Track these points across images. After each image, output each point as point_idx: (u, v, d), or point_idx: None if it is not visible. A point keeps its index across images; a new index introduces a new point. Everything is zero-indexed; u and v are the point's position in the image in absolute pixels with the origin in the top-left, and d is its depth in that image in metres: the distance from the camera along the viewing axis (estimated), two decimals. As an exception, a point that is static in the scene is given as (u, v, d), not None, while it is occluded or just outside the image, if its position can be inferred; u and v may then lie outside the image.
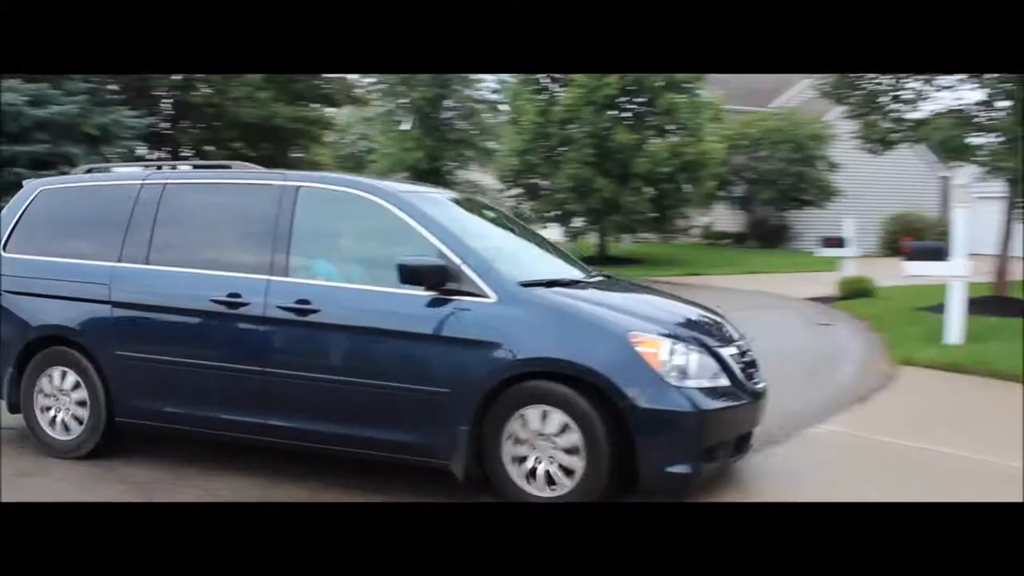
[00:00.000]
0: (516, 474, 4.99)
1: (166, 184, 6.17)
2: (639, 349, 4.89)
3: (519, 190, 23.93)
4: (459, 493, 5.10)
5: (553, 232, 22.05)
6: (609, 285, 6.04)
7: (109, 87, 19.71)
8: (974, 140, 12.17)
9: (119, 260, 6.00)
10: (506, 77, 25.54)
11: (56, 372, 6.09)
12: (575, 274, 5.93)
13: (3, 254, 6.37)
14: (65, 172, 10.08)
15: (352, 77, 26.41)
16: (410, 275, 5.11)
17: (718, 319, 5.70)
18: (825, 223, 25.70)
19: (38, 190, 6.55)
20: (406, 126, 27.09)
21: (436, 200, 6.04)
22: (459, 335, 5.08)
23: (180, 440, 6.02)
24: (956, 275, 9.72)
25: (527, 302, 5.14)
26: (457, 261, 5.15)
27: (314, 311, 5.36)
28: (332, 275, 5.59)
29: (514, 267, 5.43)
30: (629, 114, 21.61)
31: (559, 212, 22.83)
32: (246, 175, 6.17)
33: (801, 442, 6.32)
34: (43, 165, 14.52)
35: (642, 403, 4.77)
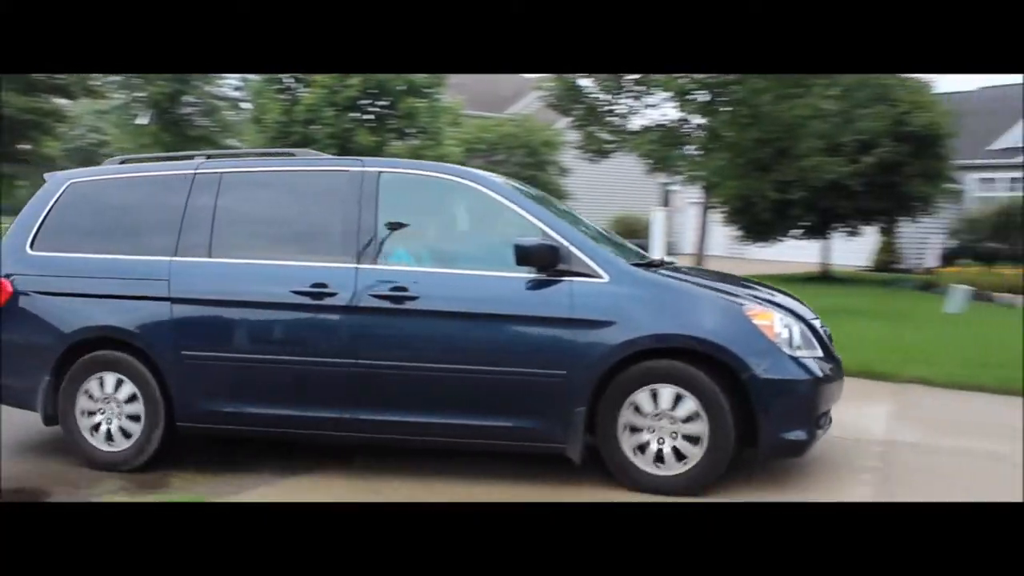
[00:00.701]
0: (634, 454, 5.01)
1: (223, 174, 5.79)
2: (756, 322, 5.01)
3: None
4: (570, 479, 5.15)
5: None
6: (681, 267, 6.06)
7: None
8: (674, 152, 13.79)
9: (175, 254, 5.59)
10: (248, 75, 25.44)
11: (103, 378, 5.61)
12: (646, 257, 5.88)
13: (30, 252, 5.86)
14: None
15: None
16: (525, 256, 5.03)
17: (793, 297, 5.81)
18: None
19: (67, 183, 6.04)
20: (143, 120, 26.31)
21: (516, 185, 5.89)
22: (575, 316, 5.00)
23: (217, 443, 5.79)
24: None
25: (640, 281, 5.15)
26: (565, 242, 5.12)
27: (412, 298, 5.20)
28: (411, 262, 5.41)
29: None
30: (371, 116, 22.22)
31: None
32: (316, 163, 6.00)
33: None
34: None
35: (763, 373, 4.87)
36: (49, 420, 5.69)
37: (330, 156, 6.41)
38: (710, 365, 4.89)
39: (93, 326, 5.58)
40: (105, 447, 5.55)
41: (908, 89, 19.78)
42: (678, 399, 4.90)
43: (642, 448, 4.97)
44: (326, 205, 5.57)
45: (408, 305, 5.16)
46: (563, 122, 23.61)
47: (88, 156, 32.02)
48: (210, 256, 5.52)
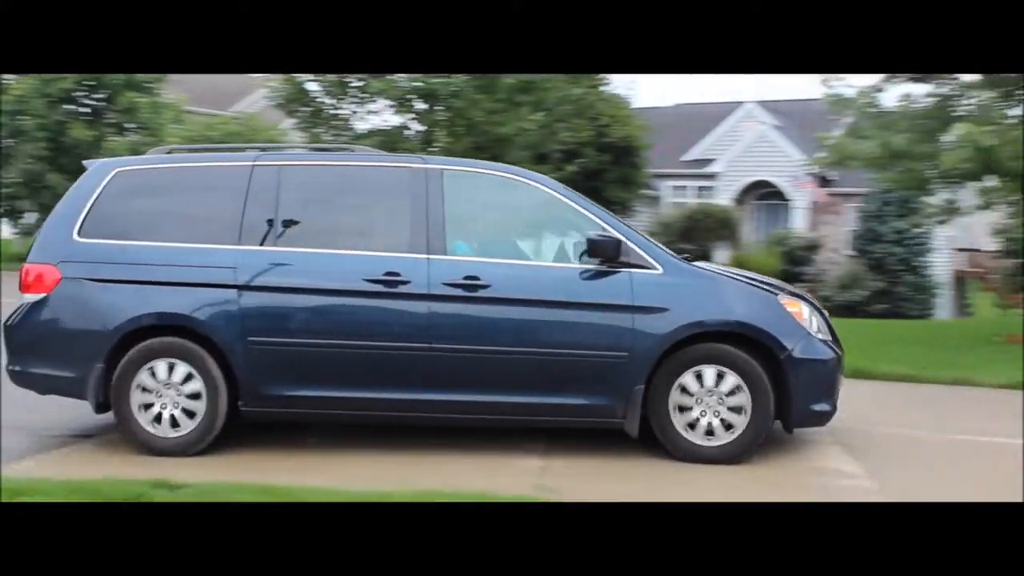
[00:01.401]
0: (683, 427, 5.46)
1: (283, 166, 5.87)
2: (789, 309, 5.62)
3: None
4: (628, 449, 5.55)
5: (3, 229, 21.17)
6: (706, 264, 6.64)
7: None
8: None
9: (239, 243, 5.59)
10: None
11: (161, 364, 5.52)
12: (681, 253, 6.30)
13: (78, 239, 5.66)
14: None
15: None
16: (595, 248, 5.42)
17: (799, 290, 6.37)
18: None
19: (113, 171, 5.85)
20: None
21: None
22: (636, 303, 5.43)
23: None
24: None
25: (688, 273, 5.68)
26: (623, 238, 5.53)
27: (485, 286, 5.45)
28: (470, 253, 5.68)
29: None
30: (87, 110, 21.49)
31: (8, 207, 21.91)
32: (377, 158, 6.23)
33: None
34: None
35: (797, 353, 5.46)
36: (100, 408, 5.60)
37: (386, 153, 6.75)
38: (751, 347, 5.49)
39: (153, 313, 5.54)
40: (164, 433, 5.52)
41: (609, 104, 21.83)
42: (720, 377, 5.44)
43: (692, 424, 5.47)
44: (390, 199, 5.79)
45: (481, 293, 5.46)
46: (288, 122, 23.88)
47: None
48: (275, 245, 5.62)
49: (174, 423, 5.49)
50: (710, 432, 5.45)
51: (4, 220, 22.23)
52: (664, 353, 5.42)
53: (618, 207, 22.81)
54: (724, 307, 5.58)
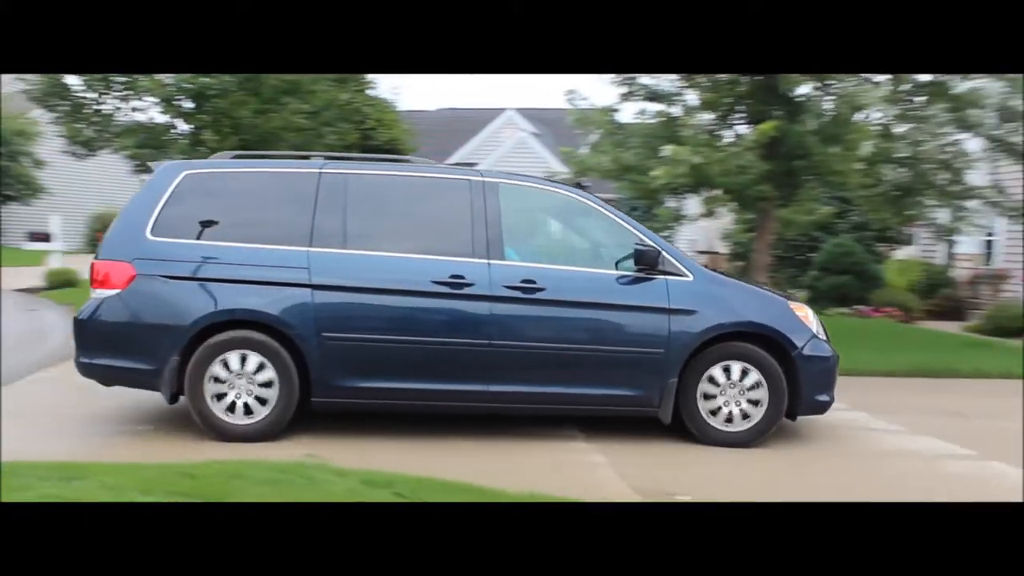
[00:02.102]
0: (708, 415, 6.32)
1: (349, 174, 6.32)
2: (797, 313, 6.53)
3: None
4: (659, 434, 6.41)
5: None
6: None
7: None
8: (159, 153, 14.55)
9: (311, 245, 6.03)
10: None
11: (234, 356, 5.91)
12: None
13: (151, 238, 5.97)
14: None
15: None
16: (640, 257, 6.18)
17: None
18: (33, 219, 26.39)
19: (183, 173, 6.20)
20: None
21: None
22: (672, 306, 6.20)
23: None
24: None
25: (714, 280, 6.56)
26: (660, 248, 6.29)
27: (540, 289, 6.12)
28: (519, 260, 6.25)
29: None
30: None
31: None
32: (438, 169, 6.81)
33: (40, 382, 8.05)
34: None
35: (806, 351, 6.37)
36: (174, 398, 6.00)
37: (441, 164, 7.28)
38: (768, 345, 6.33)
39: (231, 309, 5.93)
40: (237, 420, 5.93)
41: (375, 108, 22.42)
42: (744, 372, 6.30)
43: (714, 412, 6.32)
44: (451, 208, 6.30)
45: (537, 295, 6.12)
46: (41, 112, 22.84)
47: None
48: (345, 248, 6.07)
49: (247, 411, 5.95)
50: (729, 419, 6.34)
51: None
52: (695, 350, 6.24)
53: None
54: (746, 310, 6.43)
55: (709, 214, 13.32)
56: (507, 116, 32.15)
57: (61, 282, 16.73)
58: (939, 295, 18.53)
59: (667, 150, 9.57)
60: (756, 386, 6.30)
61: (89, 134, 15.00)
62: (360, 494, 4.33)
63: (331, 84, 15.28)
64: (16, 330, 11.26)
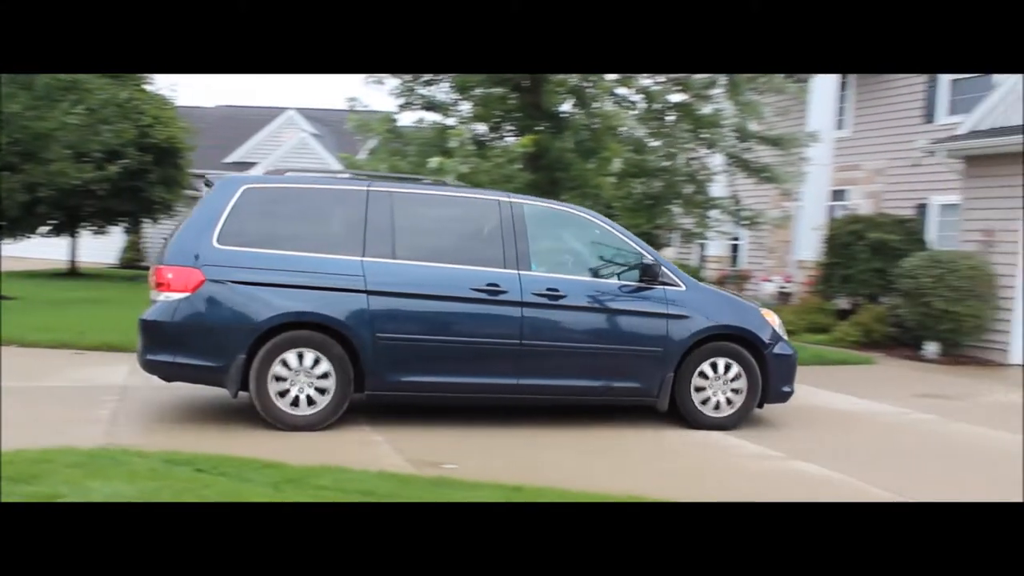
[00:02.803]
0: (699, 404, 7.44)
1: (393, 192, 7.09)
2: (767, 317, 7.76)
3: None
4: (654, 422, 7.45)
5: None
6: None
7: None
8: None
9: (363, 255, 6.73)
10: None
11: (294, 354, 6.54)
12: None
13: (217, 246, 6.50)
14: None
15: None
16: (646, 270, 7.30)
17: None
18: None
19: (242, 187, 6.76)
20: None
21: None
22: (669, 311, 7.30)
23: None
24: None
25: (702, 290, 7.74)
26: (658, 262, 7.39)
27: (562, 296, 7.11)
28: (540, 271, 7.18)
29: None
30: None
31: None
32: (468, 190, 7.88)
33: None
34: None
35: (774, 350, 7.61)
36: (236, 393, 6.58)
37: (469, 187, 8.45)
38: (745, 344, 7.49)
39: (295, 311, 6.56)
40: (296, 411, 6.56)
41: (153, 104, 21.98)
42: (728, 367, 7.45)
43: (704, 401, 7.44)
44: (484, 225, 7.20)
45: (560, 301, 7.08)
46: None
47: None
48: (394, 258, 6.81)
49: (309, 402, 6.59)
50: (716, 407, 7.47)
51: None
52: (688, 348, 7.32)
53: (161, 208, 23.01)
54: (728, 315, 7.60)
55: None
56: (288, 116, 32.08)
57: None
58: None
59: (434, 162, 10.29)
60: (737, 378, 7.50)
61: None
62: (162, 472, 4.81)
63: (109, 81, 15.05)
64: None
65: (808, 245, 17.14)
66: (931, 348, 13.77)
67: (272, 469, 5.16)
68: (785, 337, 7.88)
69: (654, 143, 12.93)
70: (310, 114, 32.60)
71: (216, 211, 6.67)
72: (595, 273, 7.49)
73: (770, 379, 7.59)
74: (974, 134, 14.04)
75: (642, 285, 7.34)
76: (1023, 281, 13.40)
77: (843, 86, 18.37)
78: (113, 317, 12.36)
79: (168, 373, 6.80)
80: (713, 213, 13.97)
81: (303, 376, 6.58)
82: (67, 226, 23.04)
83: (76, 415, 6.87)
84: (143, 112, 20.98)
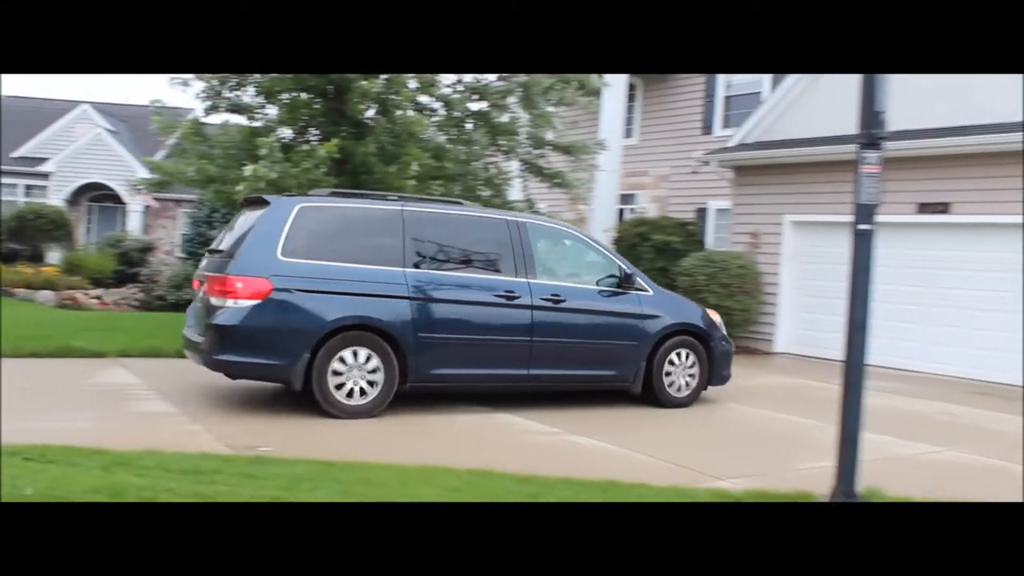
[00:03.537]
0: (667, 387, 9.03)
1: (422, 212, 8.28)
2: (713, 317, 9.57)
3: None
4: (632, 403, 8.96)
5: None
6: None
7: None
8: None
9: (404, 266, 7.83)
10: None
11: (350, 352, 7.53)
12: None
13: (281, 259, 7.38)
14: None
15: None
16: (625, 279, 8.94)
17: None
18: None
19: (297, 206, 7.69)
20: None
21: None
22: (642, 312, 8.93)
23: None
24: None
25: (665, 294, 9.50)
26: (631, 271, 9.06)
27: (563, 300, 8.52)
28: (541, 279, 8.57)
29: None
30: None
31: None
32: (483, 211, 9.36)
33: None
34: None
35: (717, 343, 9.39)
36: (302, 387, 7.44)
37: (480, 207, 9.98)
38: (697, 337, 9.19)
39: (353, 315, 7.57)
40: (351, 401, 7.59)
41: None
42: (687, 356, 9.12)
43: (670, 383, 9.03)
44: (497, 239, 8.48)
45: (560, 305, 8.46)
46: None
47: None
48: (430, 269, 8.02)
49: (361, 392, 7.59)
50: (679, 389, 9.10)
51: None
52: (657, 342, 8.90)
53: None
54: (685, 314, 9.33)
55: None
56: (82, 110, 30.99)
57: None
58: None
59: (248, 170, 10.60)
60: (693, 365, 9.20)
61: None
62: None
63: None
64: None
65: (599, 246, 18.29)
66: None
67: (98, 455, 5.49)
68: (724, 332, 9.63)
69: (454, 148, 13.59)
70: (106, 109, 31.61)
71: (277, 227, 7.58)
72: (584, 280, 8.97)
73: (715, 366, 9.38)
74: (742, 146, 15.57)
75: (620, 290, 8.93)
76: (784, 278, 14.98)
77: (631, 97, 19.76)
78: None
79: (234, 371, 7.73)
80: (510, 215, 14.79)
81: (356, 371, 7.60)
82: None
83: None
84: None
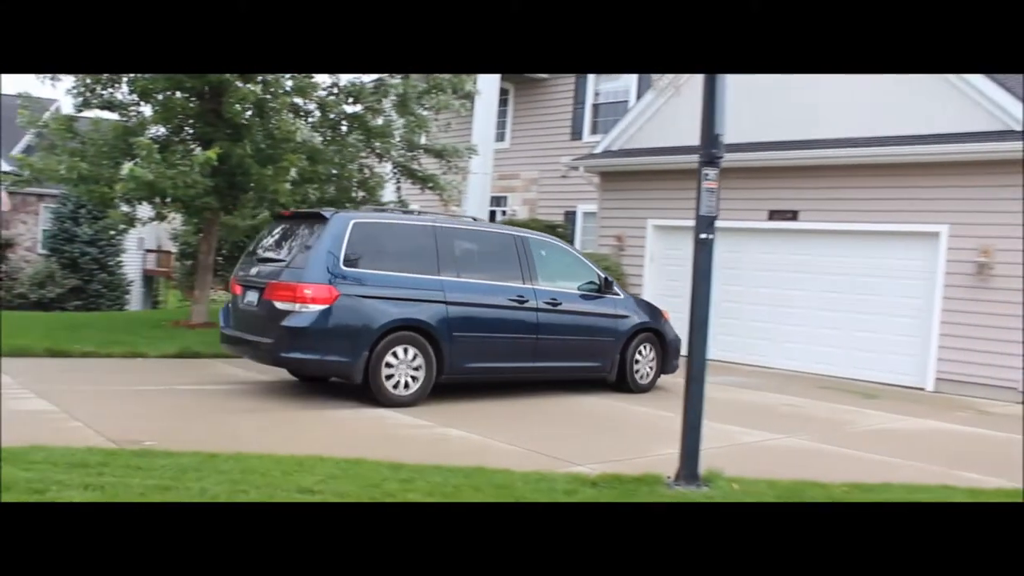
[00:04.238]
0: (636, 375, 10.69)
1: (449, 227, 9.62)
2: (666, 316, 11.16)
3: None
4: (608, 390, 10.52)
5: None
6: None
7: None
8: None
9: (439, 274, 9.09)
10: None
11: (399, 349, 8.69)
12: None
13: (344, 268, 8.57)
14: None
15: None
16: (605, 285, 10.53)
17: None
18: None
19: (352, 221, 8.87)
20: None
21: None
22: (617, 312, 10.56)
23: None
24: None
25: (631, 298, 11.18)
26: (608, 279, 10.70)
27: (559, 303, 10.00)
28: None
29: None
30: None
31: None
32: (494, 226, 11.60)
33: None
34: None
35: (670, 337, 11.07)
36: (362, 381, 8.50)
37: (489, 222, 11.99)
38: (656, 334, 10.88)
39: (402, 318, 8.71)
40: (399, 392, 8.69)
41: None
42: (650, 349, 10.83)
43: (638, 372, 10.68)
44: (507, 251, 9.91)
45: (558, 307, 9.98)
46: None
47: None
48: (459, 276, 9.25)
49: (406, 385, 8.72)
50: (644, 377, 10.78)
51: None
52: (628, 338, 10.54)
53: None
54: (647, 314, 10.98)
55: (161, 218, 14.50)
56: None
57: None
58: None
59: (125, 169, 10.67)
60: (653, 358, 10.89)
61: None
62: None
63: None
64: None
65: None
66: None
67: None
68: (674, 329, 11.08)
69: (328, 150, 13.84)
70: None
71: (338, 240, 8.63)
72: (571, 286, 10.34)
73: (668, 357, 11.08)
74: (608, 153, 16.33)
75: (599, 294, 10.47)
76: (648, 279, 15.80)
77: (503, 102, 20.35)
78: None
79: (299, 367, 9.01)
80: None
81: (404, 366, 8.71)
82: None
83: None
84: None
